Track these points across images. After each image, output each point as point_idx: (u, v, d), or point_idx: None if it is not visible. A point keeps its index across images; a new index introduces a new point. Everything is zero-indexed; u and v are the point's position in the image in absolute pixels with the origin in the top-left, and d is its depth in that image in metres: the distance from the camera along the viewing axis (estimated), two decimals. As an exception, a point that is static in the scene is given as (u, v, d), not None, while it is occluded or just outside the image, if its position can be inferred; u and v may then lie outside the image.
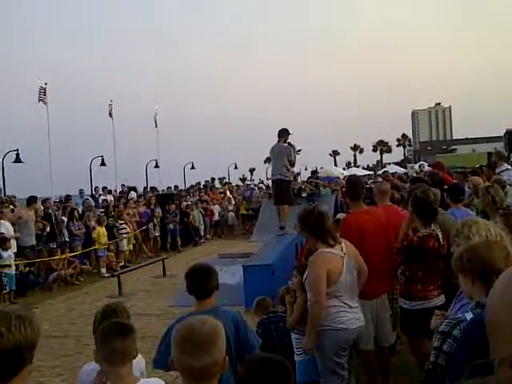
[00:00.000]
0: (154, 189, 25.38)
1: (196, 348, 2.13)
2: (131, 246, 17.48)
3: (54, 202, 18.20)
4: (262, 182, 34.14)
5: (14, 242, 12.88)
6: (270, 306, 5.79)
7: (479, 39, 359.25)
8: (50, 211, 15.45)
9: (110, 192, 22.34)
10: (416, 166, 38.97)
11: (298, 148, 11.48)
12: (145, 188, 26.65)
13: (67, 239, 15.09)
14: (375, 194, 6.42)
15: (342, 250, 4.55)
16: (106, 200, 19.41)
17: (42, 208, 15.40)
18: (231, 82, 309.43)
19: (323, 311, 4.41)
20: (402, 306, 5.06)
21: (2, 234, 12.51)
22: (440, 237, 5.02)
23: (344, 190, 5.51)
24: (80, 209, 16.64)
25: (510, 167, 11.14)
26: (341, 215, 7.04)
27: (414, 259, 4.94)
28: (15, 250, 12.90)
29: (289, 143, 11.20)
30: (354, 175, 7.65)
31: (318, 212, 4.62)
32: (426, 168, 31.43)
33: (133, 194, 21.93)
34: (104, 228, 15.72)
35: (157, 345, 3.52)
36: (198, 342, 2.14)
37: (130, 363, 2.75)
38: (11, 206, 15.19)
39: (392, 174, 23.50)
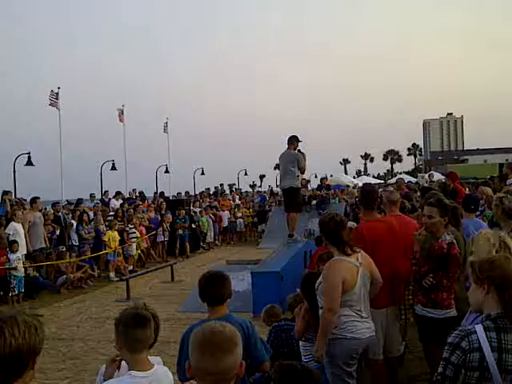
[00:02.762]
0: (162, 194, 25.41)
1: (218, 350, 2.10)
2: (140, 251, 17.50)
3: (65, 205, 18.24)
4: (272, 190, 34.05)
5: (23, 245, 12.92)
6: (279, 314, 5.76)
7: (493, 50, 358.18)
8: (59, 214, 15.52)
9: (123, 198, 22.23)
10: (426, 176, 38.80)
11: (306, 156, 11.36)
12: (155, 193, 26.69)
13: (76, 243, 15.14)
14: (384, 203, 6.34)
15: (357, 260, 4.52)
16: (116, 204, 19.39)
17: (52, 211, 15.47)
18: (244, 87, 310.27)
19: (335, 320, 4.38)
20: (427, 315, 4.96)
21: (10, 235, 12.58)
22: (457, 245, 4.98)
23: (357, 198, 5.47)
24: (91, 213, 16.66)
25: (521, 178, 11.08)
26: (351, 224, 6.98)
27: (440, 267, 4.88)
28: (25, 252, 12.94)
29: (299, 150, 11.15)
30: (369, 184, 7.57)
31: (338, 220, 4.60)
32: (435, 178, 31.29)
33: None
34: (116, 232, 15.76)
35: (167, 352, 3.51)
36: (220, 343, 2.11)
37: (147, 349, 2.91)
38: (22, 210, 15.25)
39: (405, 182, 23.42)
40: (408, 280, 5.39)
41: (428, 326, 4.98)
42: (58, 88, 23.70)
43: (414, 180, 37.81)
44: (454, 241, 4.96)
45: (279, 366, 2.45)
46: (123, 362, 3.01)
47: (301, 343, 5.00)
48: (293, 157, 11.01)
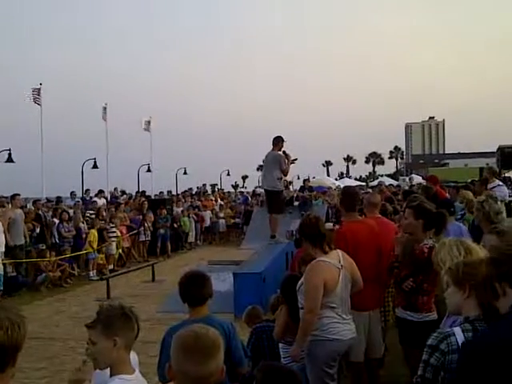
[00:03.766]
0: (143, 193, 25.29)
1: (201, 354, 2.11)
2: (120, 250, 17.40)
3: (45, 203, 18.07)
4: (254, 190, 34.08)
5: (2, 241, 12.76)
6: (260, 315, 5.76)
7: (474, 56, 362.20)
8: (40, 212, 15.38)
9: (105, 197, 22.06)
10: (407, 179, 39.12)
11: (293, 157, 11.37)
12: (136, 192, 26.57)
13: (57, 241, 15.01)
14: (365, 205, 6.39)
15: (339, 262, 4.55)
16: (96, 202, 19.23)
17: (33, 209, 15.32)
18: (226, 89, 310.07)
19: (316, 321, 4.40)
20: (407, 318, 5.00)
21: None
22: None
23: (339, 200, 5.52)
24: (71, 211, 16.53)
25: (501, 183, 11.22)
26: (330, 225, 7.02)
27: (421, 271, 4.92)
28: (3, 250, 12.77)
29: (283, 152, 11.15)
30: (351, 186, 7.64)
31: (314, 216, 4.65)
32: (416, 181, 31.59)
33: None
34: (96, 231, 15.65)
35: (147, 352, 3.48)
36: (204, 348, 2.12)
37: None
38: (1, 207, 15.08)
39: (386, 186, 23.58)
40: (388, 282, 5.43)
41: (407, 329, 5.02)
42: (40, 84, 23.52)
43: (395, 183, 38.09)
44: (437, 245, 5.01)
45: (263, 366, 2.46)
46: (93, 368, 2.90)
47: (280, 345, 5.01)
48: (276, 158, 11.02)
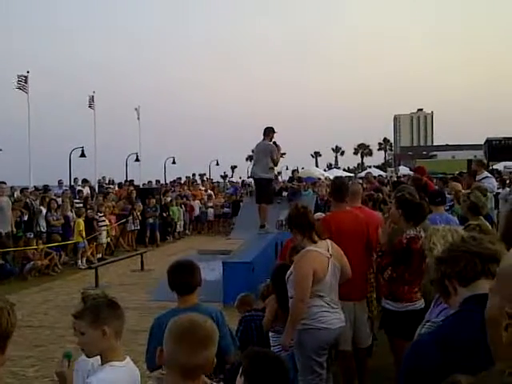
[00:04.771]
0: (131, 182, 25.18)
1: (197, 344, 2.11)
2: (109, 239, 17.36)
3: (32, 191, 17.96)
4: (244, 181, 34.06)
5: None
6: (252, 302, 5.78)
7: (463, 48, 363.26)
8: (27, 200, 15.27)
9: (90, 186, 21.95)
10: (390, 171, 39.27)
11: (283, 151, 11.41)
12: (125, 181, 26.47)
13: (44, 229, 14.93)
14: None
15: (328, 251, 4.57)
16: (82, 191, 19.16)
17: (22, 197, 15.23)
18: (217, 78, 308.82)
19: (305, 310, 4.42)
20: (387, 307, 5.06)
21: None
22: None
23: (329, 190, 5.58)
24: (59, 200, 16.44)
25: (489, 175, 11.29)
26: (319, 215, 7.04)
27: (401, 261, 4.96)
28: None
29: (274, 142, 11.16)
30: (340, 177, 7.67)
31: (302, 206, 4.66)
32: (401, 172, 31.71)
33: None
34: (82, 220, 15.59)
35: (136, 341, 3.47)
36: (201, 338, 2.12)
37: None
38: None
39: (374, 177, 23.65)
40: (370, 272, 5.47)
41: (389, 319, 5.07)
42: (27, 72, 23.30)
43: (384, 174, 38.18)
44: (422, 234, 5.03)
45: (249, 353, 2.46)
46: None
47: (270, 334, 5.03)
48: (268, 148, 11.02)
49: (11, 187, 18.63)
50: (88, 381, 2.64)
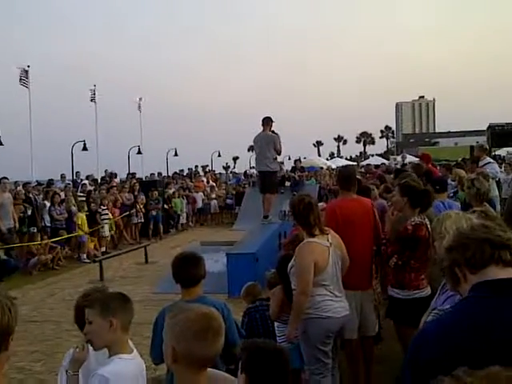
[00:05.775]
0: (133, 175, 25.17)
1: (215, 336, 2.12)
2: (113, 232, 17.36)
3: (35, 186, 17.96)
4: (246, 171, 34.01)
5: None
6: (258, 293, 5.77)
7: (465, 35, 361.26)
8: (30, 195, 15.26)
9: (94, 180, 21.96)
10: (399, 158, 39.16)
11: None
12: (128, 174, 26.46)
13: (48, 224, 14.92)
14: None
15: (327, 240, 4.53)
16: (86, 184, 19.17)
17: (23, 192, 15.20)
18: (216, 71, 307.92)
19: (307, 301, 4.41)
20: (394, 295, 5.04)
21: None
22: (429, 226, 5.01)
23: (336, 179, 5.58)
24: (62, 194, 16.44)
25: (492, 161, 11.26)
26: (321, 205, 7.02)
27: (407, 248, 4.93)
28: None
29: (272, 131, 11.09)
30: (348, 165, 7.67)
31: (307, 202, 4.59)
32: (408, 159, 31.62)
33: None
34: (84, 214, 15.57)
35: (142, 333, 3.44)
36: (217, 329, 2.13)
37: None
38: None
39: (376, 166, 23.61)
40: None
41: (396, 307, 5.05)
42: (28, 66, 23.27)
43: (386, 162, 38.13)
44: (427, 221, 5.00)
45: (248, 346, 2.44)
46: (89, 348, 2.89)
47: (276, 324, 5.02)
48: (270, 138, 10.94)
49: (15, 182, 18.65)
50: (99, 372, 2.61)
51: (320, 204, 7.20)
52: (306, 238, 4.53)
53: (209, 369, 2.23)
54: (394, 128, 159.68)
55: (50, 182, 18.97)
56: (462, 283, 1.98)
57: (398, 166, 18.68)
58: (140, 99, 34.48)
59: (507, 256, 1.88)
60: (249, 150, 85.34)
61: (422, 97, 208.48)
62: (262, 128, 11.13)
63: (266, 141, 10.96)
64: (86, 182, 20.01)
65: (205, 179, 26.53)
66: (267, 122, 11.04)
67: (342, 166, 7.62)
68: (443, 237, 3.07)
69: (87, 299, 2.91)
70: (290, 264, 4.61)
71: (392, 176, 11.14)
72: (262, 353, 2.30)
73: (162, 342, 2.21)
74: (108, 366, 2.65)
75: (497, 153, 26.55)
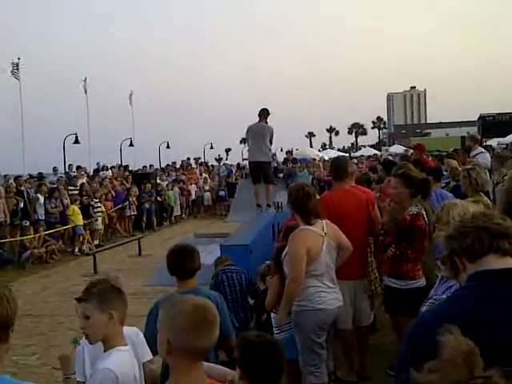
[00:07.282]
0: (126, 167, 25.06)
1: (211, 327, 2.11)
2: (106, 225, 17.32)
3: (27, 179, 17.86)
4: (239, 163, 33.97)
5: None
6: (229, 261, 5.96)
7: (455, 25, 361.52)
8: (22, 188, 15.18)
9: (86, 173, 21.78)
10: (391, 149, 39.31)
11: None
12: (119, 166, 26.35)
13: (41, 217, 14.87)
14: None
15: (322, 229, 4.52)
16: (77, 178, 19.06)
17: (15, 185, 15.12)
18: (209, 60, 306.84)
19: (299, 289, 4.41)
20: (391, 285, 5.06)
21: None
22: (425, 216, 5.04)
23: (329, 170, 5.64)
24: (55, 187, 16.35)
25: (484, 150, 11.27)
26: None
27: (404, 238, 4.96)
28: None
29: (266, 123, 11.04)
30: (341, 156, 7.70)
31: (306, 191, 4.60)
32: (397, 150, 31.78)
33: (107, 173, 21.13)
34: (77, 206, 15.52)
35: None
36: (212, 321, 2.11)
37: None
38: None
39: (368, 157, 23.65)
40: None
41: (392, 297, 5.08)
42: (18, 59, 23.11)
43: (378, 153, 38.22)
44: (423, 212, 5.03)
45: (241, 342, 2.45)
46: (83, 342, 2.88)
47: (272, 315, 5.03)
48: (266, 129, 10.89)
49: (5, 175, 18.56)
50: (104, 366, 2.57)
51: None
52: (301, 226, 4.53)
53: (205, 362, 2.23)
54: (385, 119, 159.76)
55: (42, 176, 18.86)
56: (461, 272, 1.99)
57: (391, 158, 18.73)
58: (131, 92, 34.31)
59: (506, 245, 1.88)
60: (241, 142, 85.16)
61: (414, 87, 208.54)
62: (258, 119, 11.07)
63: (262, 132, 10.89)
64: (79, 175, 19.84)
65: (198, 171, 26.49)
66: (264, 113, 10.98)
67: (334, 157, 7.62)
68: (448, 225, 3.08)
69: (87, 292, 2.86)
70: (284, 252, 4.61)
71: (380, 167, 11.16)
72: (255, 347, 2.32)
73: (155, 333, 2.20)
74: (109, 358, 2.63)
75: (488, 143, 26.62)
